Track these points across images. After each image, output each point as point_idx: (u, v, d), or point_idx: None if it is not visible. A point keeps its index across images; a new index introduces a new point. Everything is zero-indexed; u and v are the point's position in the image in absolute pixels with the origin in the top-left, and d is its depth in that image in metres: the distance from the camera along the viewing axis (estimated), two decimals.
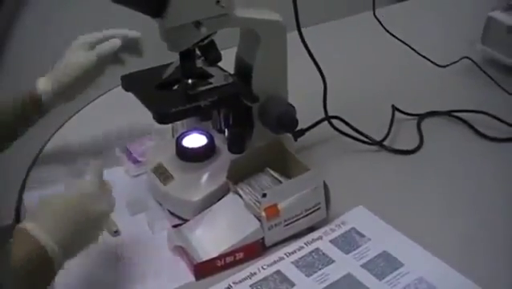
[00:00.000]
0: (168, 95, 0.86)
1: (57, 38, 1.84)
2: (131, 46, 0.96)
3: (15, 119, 0.93)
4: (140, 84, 0.88)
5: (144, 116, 0.83)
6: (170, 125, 0.95)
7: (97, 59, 0.92)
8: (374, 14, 1.10)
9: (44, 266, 0.65)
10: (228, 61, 0.89)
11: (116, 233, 0.83)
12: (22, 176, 0.98)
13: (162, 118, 0.81)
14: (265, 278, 0.75)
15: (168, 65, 0.88)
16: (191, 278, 0.76)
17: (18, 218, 0.89)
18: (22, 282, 0.63)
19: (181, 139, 0.89)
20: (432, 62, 1.17)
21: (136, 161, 0.95)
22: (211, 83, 0.86)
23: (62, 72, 0.92)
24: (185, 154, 0.87)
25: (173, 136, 0.95)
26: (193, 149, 0.87)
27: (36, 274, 0.65)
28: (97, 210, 0.71)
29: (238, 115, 0.88)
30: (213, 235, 0.79)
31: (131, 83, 0.89)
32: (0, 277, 0.51)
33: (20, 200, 0.92)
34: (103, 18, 1.62)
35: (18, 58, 1.72)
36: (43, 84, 0.92)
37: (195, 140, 0.89)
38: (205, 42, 0.81)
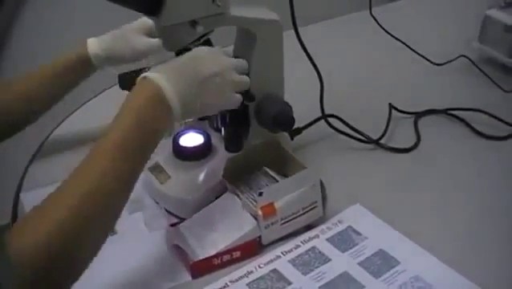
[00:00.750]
0: None
1: (57, 38, 1.85)
2: None
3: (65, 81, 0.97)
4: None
5: None
6: None
7: (158, 48, 0.95)
8: (370, 12, 1.10)
9: (163, 111, 0.68)
10: None
11: (113, 232, 0.83)
12: (19, 174, 0.98)
13: None
14: (261, 277, 0.75)
15: None
16: (188, 276, 0.76)
17: (14, 218, 0.89)
18: (138, 117, 0.66)
19: (178, 138, 0.89)
20: (428, 60, 1.17)
21: None
22: None
23: (120, 45, 0.96)
24: (182, 153, 0.87)
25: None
26: (189, 148, 0.87)
27: (155, 114, 0.67)
28: (205, 71, 0.72)
29: (235, 113, 0.88)
30: (210, 234, 0.79)
31: (127, 81, 0.89)
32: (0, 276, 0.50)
33: (17, 199, 0.92)
34: (103, 18, 1.63)
35: (18, 58, 1.72)
36: (95, 48, 0.95)
37: (192, 139, 0.89)
38: (202, 40, 0.81)
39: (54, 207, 0.59)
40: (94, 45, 0.96)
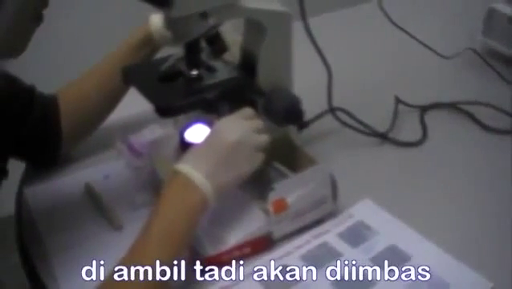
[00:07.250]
0: (170, 87, 0.84)
1: (57, 38, 1.82)
2: None
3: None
4: (141, 77, 0.86)
5: (145, 107, 0.81)
6: None
7: None
8: (379, 4, 1.09)
9: (197, 198, 0.70)
10: None
11: (119, 227, 0.82)
12: (21, 166, 0.96)
13: (164, 112, 0.79)
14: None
15: (167, 58, 0.87)
16: (197, 273, 0.75)
17: (18, 213, 0.88)
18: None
19: (184, 130, 0.87)
20: (436, 53, 1.16)
21: (137, 154, 0.94)
22: (216, 77, 0.84)
23: None
24: (189, 146, 0.86)
25: (176, 127, 0.93)
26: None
27: (189, 204, 0.70)
28: (229, 142, 0.73)
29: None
30: (219, 230, 0.77)
31: (131, 75, 0.87)
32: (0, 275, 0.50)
33: (20, 193, 0.91)
34: (104, 17, 1.61)
35: (18, 58, 1.69)
36: (158, 23, 0.92)
37: (199, 132, 0.87)
38: (212, 33, 0.80)
39: None
40: (156, 20, 0.93)
